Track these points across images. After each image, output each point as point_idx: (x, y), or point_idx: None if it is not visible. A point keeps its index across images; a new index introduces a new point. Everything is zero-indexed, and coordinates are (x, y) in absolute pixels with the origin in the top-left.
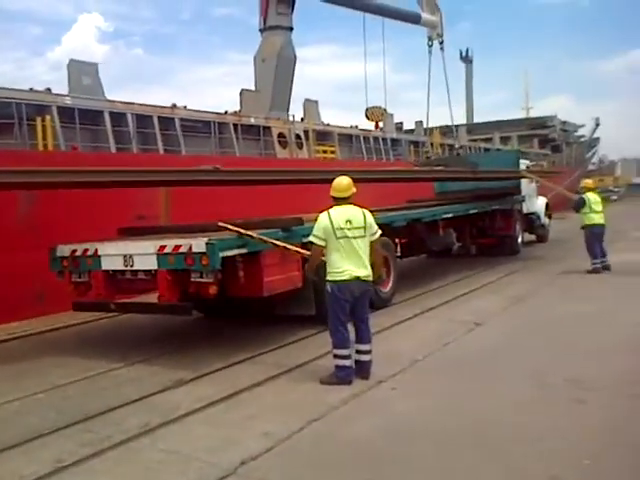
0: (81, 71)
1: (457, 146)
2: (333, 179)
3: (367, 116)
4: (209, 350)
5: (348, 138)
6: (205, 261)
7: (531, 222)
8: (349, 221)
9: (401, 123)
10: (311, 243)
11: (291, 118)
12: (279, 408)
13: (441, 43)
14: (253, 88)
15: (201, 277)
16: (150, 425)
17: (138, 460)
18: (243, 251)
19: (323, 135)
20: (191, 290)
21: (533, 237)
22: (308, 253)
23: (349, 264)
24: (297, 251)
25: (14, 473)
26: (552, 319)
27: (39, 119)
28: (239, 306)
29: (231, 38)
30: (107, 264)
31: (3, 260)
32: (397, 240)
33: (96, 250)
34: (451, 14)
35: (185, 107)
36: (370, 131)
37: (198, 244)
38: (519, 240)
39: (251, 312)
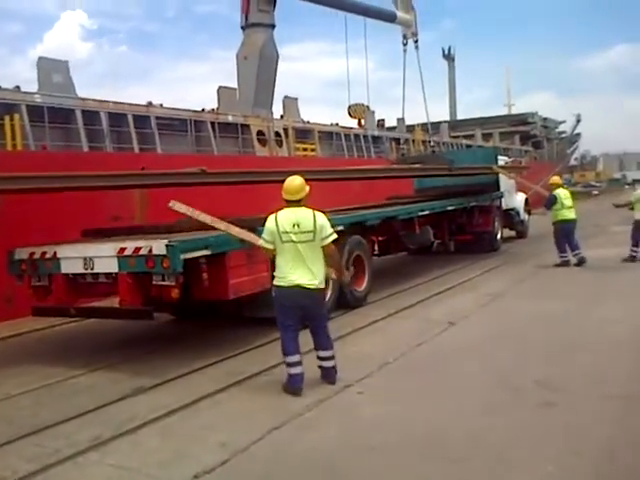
0: (51, 69)
1: (432, 144)
2: (323, 178)
3: (350, 113)
4: (174, 355)
5: (329, 136)
6: (166, 264)
7: (510, 218)
8: (296, 224)
9: (383, 120)
10: (262, 246)
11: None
12: (239, 416)
13: (416, 42)
14: (236, 85)
15: (163, 280)
16: (101, 438)
17: (83, 477)
18: (206, 252)
19: (303, 133)
20: (153, 293)
21: (513, 233)
22: (257, 241)
23: (292, 270)
24: (252, 242)
25: None
26: (525, 317)
27: (7, 118)
28: (206, 308)
29: (215, 35)
30: (67, 267)
31: None
32: (374, 238)
33: (55, 253)
34: (434, 12)
35: (161, 105)
36: (351, 128)
37: (158, 246)
38: (498, 236)
39: (219, 314)
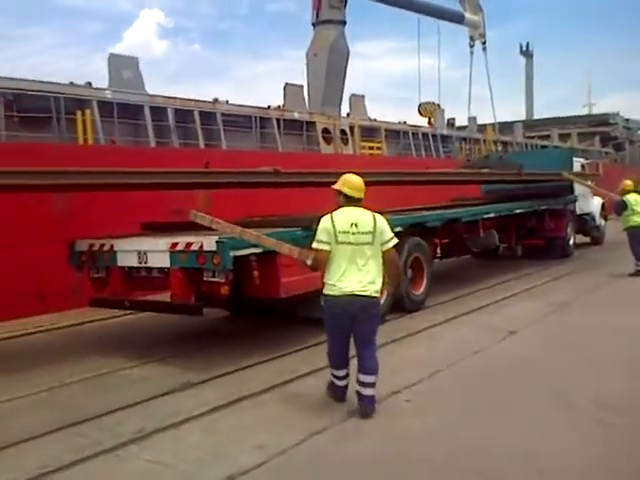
0: (122, 65)
1: (500, 148)
2: (388, 181)
3: (420, 112)
4: (225, 351)
5: (396, 134)
6: (216, 260)
7: (585, 223)
8: (355, 224)
9: (453, 119)
10: (315, 250)
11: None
12: (281, 418)
13: (483, 43)
14: (303, 83)
15: (213, 276)
16: (144, 431)
17: (120, 470)
18: (257, 250)
19: (370, 131)
20: (204, 290)
21: (587, 239)
22: (306, 258)
23: (345, 276)
24: (290, 254)
25: None
26: (591, 330)
27: (79, 113)
28: (260, 306)
29: (286, 33)
30: (122, 260)
31: (46, 253)
32: (436, 240)
33: (112, 246)
34: (512, 6)
35: (227, 102)
36: (419, 127)
37: (209, 242)
38: (571, 242)
39: (272, 312)
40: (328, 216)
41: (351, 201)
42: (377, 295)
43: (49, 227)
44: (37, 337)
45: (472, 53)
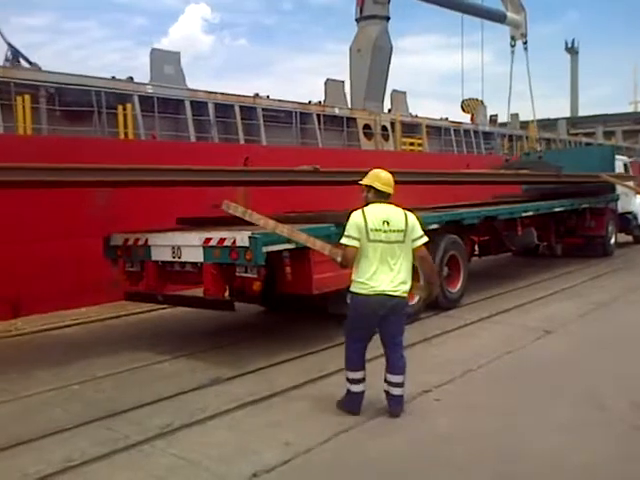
0: (163, 60)
1: (540, 149)
2: (426, 181)
3: (463, 108)
4: (257, 347)
5: (437, 130)
6: (249, 256)
7: (627, 222)
8: (386, 222)
9: (496, 115)
10: (344, 245)
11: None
12: (308, 416)
13: (525, 43)
14: (345, 78)
15: (246, 272)
16: (171, 426)
17: (145, 465)
18: (290, 246)
19: (411, 127)
20: (237, 285)
21: (630, 238)
22: (337, 255)
23: (376, 275)
24: (321, 250)
25: (19, 470)
26: (631, 331)
27: (120, 107)
28: (294, 302)
29: (330, 28)
30: (157, 255)
31: (87, 246)
32: (474, 238)
33: (146, 240)
34: (557, 3)
35: (267, 97)
36: (461, 123)
37: (242, 238)
38: (612, 241)
39: (305, 309)
40: (359, 211)
41: (381, 197)
42: (407, 295)
43: (89, 220)
44: (74, 329)
45: (513, 53)
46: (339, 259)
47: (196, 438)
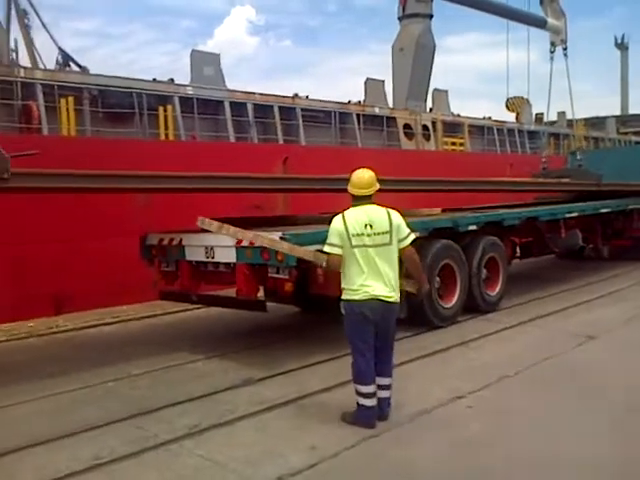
0: (203, 61)
1: (578, 156)
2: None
3: (507, 107)
4: (290, 348)
5: (480, 130)
6: (280, 257)
7: None
8: (369, 225)
9: (542, 114)
10: (327, 253)
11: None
12: (336, 419)
13: (564, 49)
14: (385, 78)
15: (277, 273)
16: (200, 427)
17: (172, 465)
18: (321, 247)
19: (453, 126)
20: (269, 286)
21: None
22: (321, 261)
23: (367, 280)
24: (304, 257)
25: (46, 467)
26: None
27: (161, 109)
28: (325, 303)
29: (374, 28)
30: (190, 255)
31: (127, 245)
32: (515, 240)
33: (180, 240)
34: None
35: (307, 97)
36: (504, 122)
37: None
38: None
39: (338, 310)
40: (339, 216)
41: (360, 200)
42: (398, 299)
43: (130, 220)
44: (112, 328)
45: (552, 59)
46: (324, 264)
47: (224, 439)
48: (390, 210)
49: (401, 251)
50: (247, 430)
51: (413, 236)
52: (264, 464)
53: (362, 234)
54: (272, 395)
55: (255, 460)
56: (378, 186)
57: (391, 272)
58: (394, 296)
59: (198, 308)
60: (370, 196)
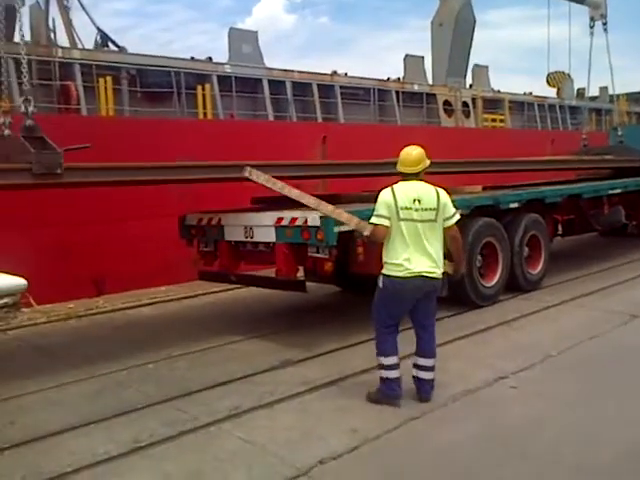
0: (242, 39)
1: (619, 132)
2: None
3: (548, 82)
4: (330, 328)
5: (520, 106)
6: (320, 236)
7: None
8: (417, 200)
9: (583, 89)
10: (374, 224)
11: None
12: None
13: (604, 24)
14: (425, 54)
15: (317, 252)
16: (240, 408)
17: (211, 448)
18: None
19: (493, 103)
20: (309, 265)
21: None
22: (364, 229)
23: (411, 255)
24: (348, 222)
25: (87, 451)
26: None
27: (199, 88)
28: (366, 282)
29: (413, 3)
30: (230, 234)
31: (165, 226)
32: (557, 217)
33: (219, 220)
34: None
35: (345, 74)
36: (546, 98)
37: (314, 217)
38: None
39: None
40: (389, 189)
41: (409, 176)
42: (439, 276)
43: (168, 200)
44: (152, 308)
45: (592, 34)
46: (366, 233)
47: (263, 421)
48: (438, 188)
49: (445, 230)
50: (287, 412)
51: (458, 216)
52: (304, 447)
53: (410, 208)
54: (312, 376)
55: (295, 443)
56: (428, 162)
57: (435, 248)
58: (437, 272)
59: (238, 288)
60: (419, 173)
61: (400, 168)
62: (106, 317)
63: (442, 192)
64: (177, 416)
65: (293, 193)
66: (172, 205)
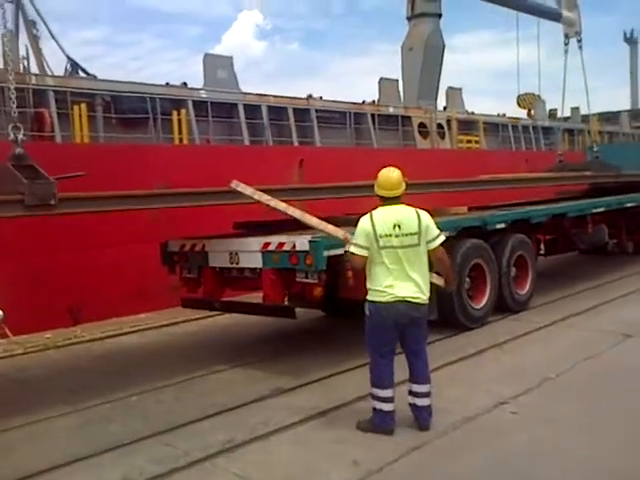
0: (216, 64)
1: (595, 148)
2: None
3: (519, 103)
4: (319, 355)
5: (494, 127)
6: (309, 260)
7: None
8: (397, 225)
9: (555, 110)
10: (351, 254)
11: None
12: None
13: (579, 41)
14: (401, 78)
15: (306, 277)
16: (233, 442)
17: None
18: None
19: (467, 124)
20: (297, 291)
21: None
22: (347, 242)
23: (394, 281)
24: (334, 234)
25: None
26: None
27: (175, 113)
28: (355, 307)
29: (381, 29)
30: (214, 260)
31: (144, 252)
32: (540, 237)
33: (203, 246)
34: None
35: (321, 97)
36: (519, 119)
37: (302, 242)
38: None
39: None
40: (367, 217)
41: (388, 200)
42: (427, 301)
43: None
44: (131, 337)
45: (566, 52)
46: (349, 249)
47: (259, 455)
48: (419, 210)
49: (430, 252)
50: (282, 444)
51: (443, 237)
52: None
53: (390, 235)
54: (304, 405)
55: (294, 477)
56: (405, 186)
57: (419, 273)
58: (422, 297)
59: (219, 315)
60: (399, 197)
61: (379, 192)
62: (85, 347)
63: (424, 214)
64: (167, 452)
65: (280, 205)
66: (143, 230)
